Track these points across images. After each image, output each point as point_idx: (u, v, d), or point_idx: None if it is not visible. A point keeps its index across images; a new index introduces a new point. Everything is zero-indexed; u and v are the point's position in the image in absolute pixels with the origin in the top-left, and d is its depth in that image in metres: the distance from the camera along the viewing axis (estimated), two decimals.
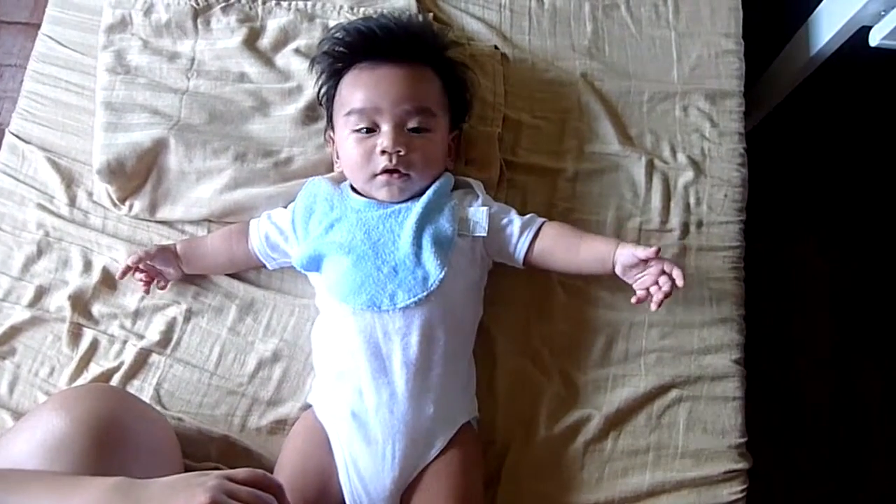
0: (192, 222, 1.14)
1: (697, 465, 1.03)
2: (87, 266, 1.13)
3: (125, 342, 1.09)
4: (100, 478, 0.72)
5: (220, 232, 1.10)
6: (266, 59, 1.19)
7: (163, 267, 1.08)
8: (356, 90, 1.03)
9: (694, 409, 1.06)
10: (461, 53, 1.15)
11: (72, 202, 1.16)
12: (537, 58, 1.25)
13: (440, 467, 0.96)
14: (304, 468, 0.96)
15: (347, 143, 1.03)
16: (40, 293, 1.11)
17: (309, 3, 1.22)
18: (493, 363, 1.08)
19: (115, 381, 1.06)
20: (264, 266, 1.10)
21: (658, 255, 0.93)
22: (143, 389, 1.06)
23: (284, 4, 1.22)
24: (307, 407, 1.04)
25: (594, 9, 1.28)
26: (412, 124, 1.01)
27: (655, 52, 1.26)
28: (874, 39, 1.17)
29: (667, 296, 0.93)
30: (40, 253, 1.13)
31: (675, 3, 1.29)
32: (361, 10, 1.21)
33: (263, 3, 1.22)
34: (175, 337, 1.09)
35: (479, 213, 1.02)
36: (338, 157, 1.09)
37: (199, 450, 1.00)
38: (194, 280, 1.12)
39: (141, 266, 1.06)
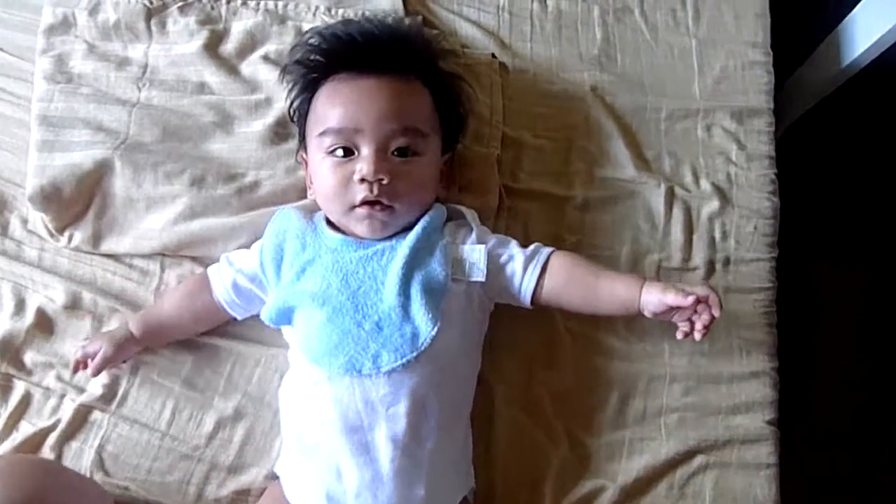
0: (142, 256, 1.02)
1: None
2: (20, 306, 1.00)
3: (62, 396, 0.96)
4: None
5: (175, 293, 0.97)
6: (230, 68, 1.07)
7: (124, 357, 0.96)
8: (333, 106, 0.90)
9: (722, 478, 0.95)
10: (455, 63, 1.03)
11: (3, 231, 1.03)
12: (540, 68, 1.13)
13: None
14: None
15: (322, 169, 0.89)
16: None
17: (280, 4, 1.10)
18: (491, 419, 0.95)
19: (50, 442, 0.94)
20: (234, 318, 0.97)
21: (696, 303, 0.81)
22: (82, 452, 0.94)
23: (252, 4, 1.10)
24: (274, 477, 0.91)
25: (604, 13, 1.16)
26: (397, 146, 0.88)
27: (674, 63, 1.14)
28: None
29: (711, 321, 0.82)
30: None
31: (695, 7, 1.17)
32: (340, 11, 1.10)
33: (228, 2, 1.10)
34: (121, 391, 0.97)
35: (475, 253, 0.89)
36: (311, 183, 0.95)
37: None
38: None
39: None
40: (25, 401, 0.96)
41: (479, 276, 0.88)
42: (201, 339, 0.98)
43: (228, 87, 1.06)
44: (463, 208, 0.96)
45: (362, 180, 0.86)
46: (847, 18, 1.20)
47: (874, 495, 1.43)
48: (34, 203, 0.99)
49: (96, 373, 0.93)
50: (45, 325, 0.99)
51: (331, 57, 0.93)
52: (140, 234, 1.00)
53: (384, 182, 0.86)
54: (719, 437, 0.96)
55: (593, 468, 0.94)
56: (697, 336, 0.83)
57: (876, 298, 1.55)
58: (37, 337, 0.98)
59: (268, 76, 1.05)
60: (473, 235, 0.91)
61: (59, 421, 0.95)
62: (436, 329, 0.82)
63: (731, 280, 1.02)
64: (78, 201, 0.99)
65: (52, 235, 1.01)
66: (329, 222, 0.92)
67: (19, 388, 0.96)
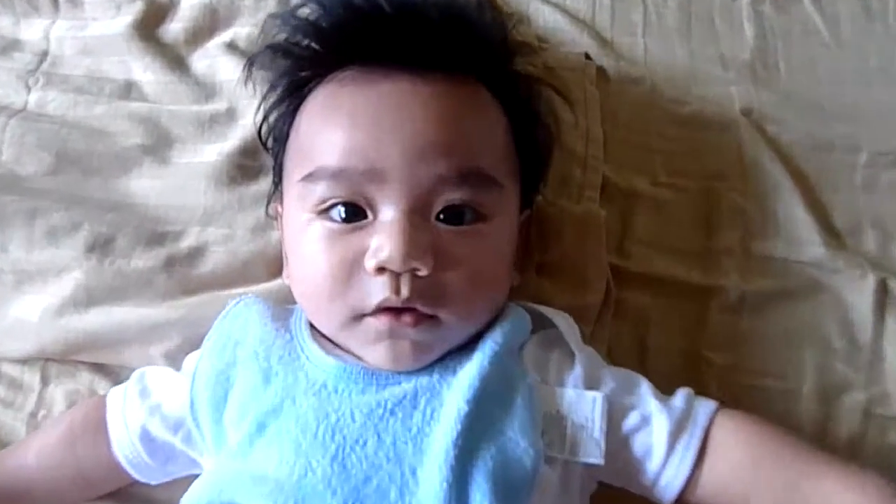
0: (10, 361, 0.67)
1: None
2: None
3: None
4: None
5: (50, 434, 0.61)
6: (174, 59, 0.78)
7: None
8: (331, 126, 0.53)
9: None
10: (531, 65, 0.66)
11: None
12: (660, 77, 0.82)
13: None
14: None
15: (307, 240, 0.53)
16: None
17: None
18: None
19: None
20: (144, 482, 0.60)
21: None
22: None
23: None
24: None
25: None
26: (448, 203, 0.51)
27: (870, 77, 0.83)
28: None
29: None
30: None
31: None
32: None
33: None
34: None
35: (586, 407, 0.50)
36: (288, 260, 0.59)
37: None
38: None
39: None
40: None
41: (595, 456, 0.49)
42: None
43: (169, 89, 0.76)
44: (550, 311, 0.57)
45: (381, 269, 0.47)
46: None
47: None
48: None
49: None
50: None
51: (334, 40, 0.56)
52: (6, 328, 0.66)
53: (421, 274, 0.47)
54: None
55: None
56: None
57: None
58: None
59: (232, 75, 0.74)
60: (578, 368, 0.52)
61: None
62: None
63: None
64: None
65: None
66: (316, 330, 0.55)
67: None
